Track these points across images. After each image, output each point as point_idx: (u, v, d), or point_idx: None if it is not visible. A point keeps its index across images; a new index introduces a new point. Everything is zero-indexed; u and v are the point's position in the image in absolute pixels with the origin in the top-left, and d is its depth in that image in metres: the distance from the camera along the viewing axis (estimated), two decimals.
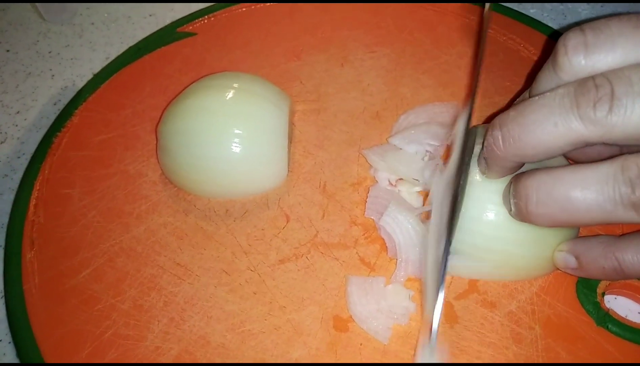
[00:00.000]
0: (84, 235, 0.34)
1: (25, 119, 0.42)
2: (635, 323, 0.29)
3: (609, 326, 0.29)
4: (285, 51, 0.43)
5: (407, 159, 0.35)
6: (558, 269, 0.29)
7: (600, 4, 0.48)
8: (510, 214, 0.28)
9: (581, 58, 0.24)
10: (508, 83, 0.40)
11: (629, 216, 0.23)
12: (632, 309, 0.30)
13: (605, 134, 0.23)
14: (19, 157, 0.39)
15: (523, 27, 0.43)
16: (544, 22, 0.45)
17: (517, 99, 0.31)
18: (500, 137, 0.25)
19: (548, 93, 0.24)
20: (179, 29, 0.44)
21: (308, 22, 0.44)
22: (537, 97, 0.25)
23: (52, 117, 0.40)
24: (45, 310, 0.31)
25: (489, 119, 0.38)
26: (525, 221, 0.27)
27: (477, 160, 0.29)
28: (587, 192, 0.24)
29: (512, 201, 0.27)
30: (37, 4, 0.45)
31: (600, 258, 0.27)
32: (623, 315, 0.30)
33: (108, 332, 0.30)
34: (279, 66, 0.42)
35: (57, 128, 0.39)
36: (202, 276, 0.32)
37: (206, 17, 0.45)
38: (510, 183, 0.27)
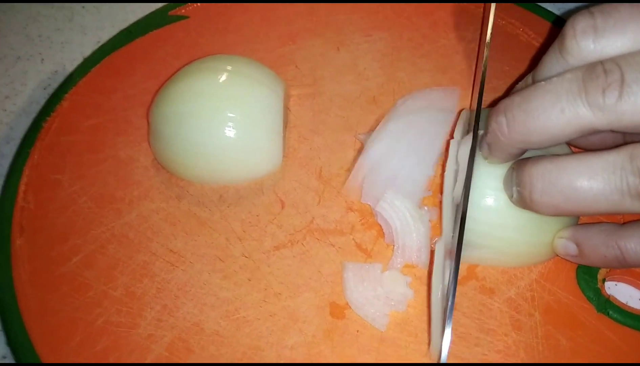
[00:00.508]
0: (74, 221, 0.33)
1: (14, 104, 0.41)
2: (636, 309, 0.29)
3: (610, 312, 0.28)
4: (280, 35, 0.42)
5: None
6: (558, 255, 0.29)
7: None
8: (511, 200, 0.27)
9: (590, 42, 0.23)
10: (507, 67, 0.39)
11: (637, 206, 0.22)
12: (633, 295, 0.30)
13: (613, 122, 0.22)
14: (7, 143, 0.38)
15: (522, 11, 0.42)
16: (544, 5, 0.44)
17: (519, 84, 0.31)
18: (504, 122, 0.25)
19: (555, 78, 0.23)
20: (171, 12, 0.43)
21: (303, 5, 0.43)
22: (543, 82, 0.24)
23: (42, 102, 0.39)
24: (35, 297, 0.30)
25: (489, 104, 0.37)
26: (528, 210, 0.26)
27: (479, 144, 0.28)
28: (593, 182, 0.23)
29: (515, 188, 0.26)
30: None
31: (602, 246, 0.26)
32: (624, 302, 0.29)
33: (99, 319, 0.29)
34: (274, 49, 0.41)
35: (47, 113, 0.38)
36: (195, 263, 0.31)
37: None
38: (512, 168, 0.27)
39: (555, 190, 0.24)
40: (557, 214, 0.26)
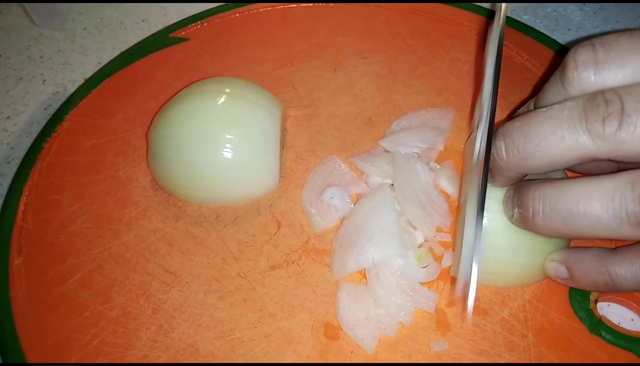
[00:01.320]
0: (72, 241, 0.33)
1: (15, 125, 0.41)
2: (628, 330, 0.29)
3: (602, 333, 0.28)
4: (278, 57, 0.43)
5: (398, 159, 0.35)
6: None
7: (593, 10, 0.48)
8: (511, 221, 0.27)
9: (591, 74, 0.24)
10: (501, 89, 0.40)
11: (635, 233, 0.23)
12: (625, 316, 0.30)
13: (613, 151, 0.22)
14: (8, 163, 0.39)
15: (516, 34, 0.43)
16: (537, 28, 0.45)
17: (520, 110, 0.31)
18: (503, 147, 0.25)
19: (556, 105, 0.24)
20: (171, 35, 0.44)
21: (301, 28, 0.44)
22: (544, 109, 0.24)
23: (43, 123, 0.40)
24: (32, 318, 0.30)
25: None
26: (529, 231, 0.26)
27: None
28: (592, 208, 0.23)
29: (516, 210, 0.26)
30: (28, 9, 0.45)
31: (592, 271, 0.27)
32: (616, 322, 0.29)
33: (95, 340, 0.29)
34: (272, 71, 0.42)
35: (48, 133, 0.38)
36: (191, 283, 0.31)
37: (199, 22, 0.45)
38: (512, 190, 0.27)
39: (555, 214, 0.24)
40: (557, 236, 0.26)
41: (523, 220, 0.26)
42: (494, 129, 0.26)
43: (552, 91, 0.26)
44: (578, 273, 0.27)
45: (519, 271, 0.29)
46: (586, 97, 0.23)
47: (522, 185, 0.26)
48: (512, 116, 0.32)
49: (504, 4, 0.29)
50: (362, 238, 0.30)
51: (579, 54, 0.24)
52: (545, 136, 0.24)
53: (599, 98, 0.23)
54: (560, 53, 0.42)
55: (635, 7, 0.49)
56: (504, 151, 0.25)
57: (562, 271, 0.28)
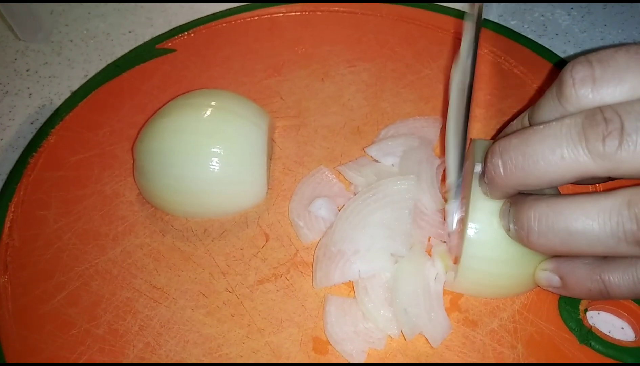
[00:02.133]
0: (59, 258, 0.33)
1: (1, 140, 0.41)
2: (618, 340, 0.29)
3: (592, 343, 0.28)
4: (265, 67, 0.43)
5: (384, 171, 0.35)
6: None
7: (581, 14, 0.48)
8: (508, 234, 0.27)
9: (588, 91, 0.24)
10: (489, 96, 0.40)
11: (633, 251, 0.23)
12: (615, 324, 0.30)
13: (613, 170, 0.22)
14: None
15: (504, 40, 0.43)
16: (525, 33, 0.45)
17: (513, 123, 0.30)
18: (500, 164, 0.25)
19: (554, 123, 0.24)
20: (158, 46, 0.44)
21: (288, 37, 0.44)
22: (541, 126, 0.24)
23: (29, 137, 0.39)
24: (18, 337, 0.30)
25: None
26: (526, 247, 0.26)
27: (479, 180, 0.28)
28: (589, 227, 0.23)
29: (512, 226, 0.26)
30: (11, 24, 0.45)
31: (585, 279, 0.27)
32: (606, 331, 0.29)
33: (82, 358, 0.29)
34: (259, 82, 0.42)
35: (33, 148, 0.38)
36: (179, 299, 0.31)
37: (186, 33, 0.45)
38: (509, 203, 0.27)
39: (552, 233, 0.24)
40: (552, 253, 0.26)
41: (519, 238, 0.26)
42: (489, 143, 0.26)
43: (548, 107, 0.25)
44: (571, 281, 0.27)
45: (509, 282, 0.29)
46: (585, 115, 0.23)
47: (517, 201, 0.26)
48: (504, 128, 0.32)
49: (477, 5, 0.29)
50: (348, 250, 0.30)
51: (576, 71, 0.24)
52: (545, 154, 0.23)
53: (598, 117, 0.22)
54: (548, 59, 0.42)
55: (623, 10, 0.49)
56: (501, 168, 0.25)
57: (555, 280, 0.27)
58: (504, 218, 0.27)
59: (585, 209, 0.23)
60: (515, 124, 0.30)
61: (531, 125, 0.27)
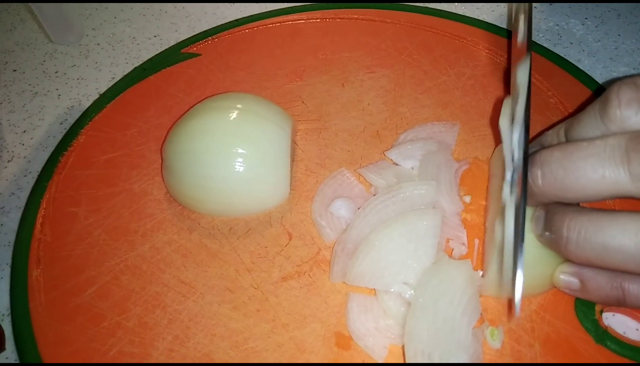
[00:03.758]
0: (89, 253, 0.34)
1: (32, 138, 0.42)
2: (633, 340, 0.29)
3: (608, 343, 0.29)
4: (287, 72, 0.44)
5: (404, 174, 0.36)
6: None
7: (595, 24, 0.49)
8: (538, 239, 0.28)
9: (633, 113, 0.24)
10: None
11: None
12: (630, 326, 0.31)
13: None
14: (25, 176, 0.40)
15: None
16: (540, 42, 0.46)
17: (548, 134, 0.31)
18: (540, 175, 0.26)
19: (598, 141, 0.24)
20: (183, 50, 0.45)
21: (309, 43, 0.46)
22: (585, 143, 0.25)
23: (59, 137, 0.41)
24: (51, 328, 0.31)
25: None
26: (558, 254, 0.27)
27: (510, 186, 0.29)
28: (625, 245, 0.24)
29: (547, 234, 0.27)
30: (44, 26, 0.46)
31: (606, 285, 0.27)
32: (621, 332, 0.30)
33: (113, 350, 0.30)
34: (281, 86, 0.43)
35: (64, 147, 0.39)
36: (206, 294, 0.32)
37: (210, 38, 0.46)
38: (543, 210, 0.28)
39: (589, 246, 0.25)
40: (586, 264, 0.27)
41: (555, 245, 0.27)
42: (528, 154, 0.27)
43: (589, 124, 0.26)
44: (592, 286, 0.28)
45: (528, 282, 0.30)
46: (629, 138, 0.24)
47: (556, 211, 0.27)
48: (536, 138, 0.32)
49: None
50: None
51: (622, 93, 0.25)
52: (586, 172, 0.24)
53: None
54: (564, 67, 0.43)
55: (636, 20, 0.50)
56: (540, 178, 0.26)
57: (574, 284, 0.28)
58: (538, 224, 0.28)
59: (625, 227, 0.24)
60: (550, 135, 0.30)
61: (569, 139, 0.28)
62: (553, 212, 0.27)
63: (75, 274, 0.33)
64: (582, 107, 0.40)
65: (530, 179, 0.26)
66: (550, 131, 0.31)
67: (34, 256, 0.34)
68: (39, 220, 0.36)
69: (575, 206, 0.27)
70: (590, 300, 0.29)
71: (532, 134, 0.39)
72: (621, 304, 0.27)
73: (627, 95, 0.25)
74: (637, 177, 0.23)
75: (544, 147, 0.27)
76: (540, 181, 0.26)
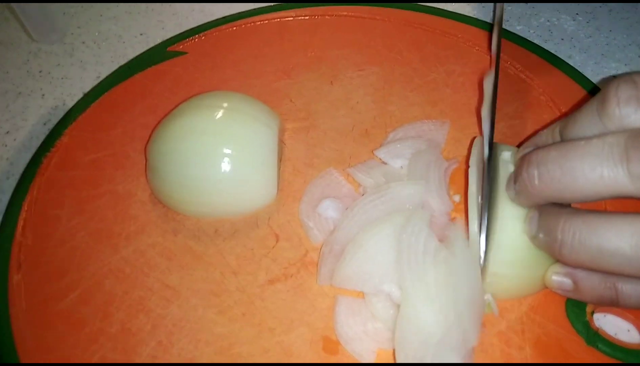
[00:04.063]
0: (72, 257, 0.33)
1: (14, 140, 0.41)
2: (624, 342, 0.29)
3: (599, 345, 0.29)
4: (275, 70, 0.43)
5: (393, 174, 0.35)
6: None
7: (586, 20, 0.49)
8: (532, 241, 0.27)
9: (632, 111, 0.24)
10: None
11: None
12: (621, 327, 0.30)
13: None
14: (7, 179, 0.39)
15: (510, 45, 0.44)
16: (531, 38, 0.46)
17: (543, 133, 0.30)
18: (536, 175, 0.25)
19: (595, 140, 0.24)
20: (169, 48, 0.45)
21: (298, 41, 0.45)
22: (582, 142, 0.24)
23: (42, 137, 0.40)
24: (32, 335, 0.31)
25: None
26: (553, 257, 0.27)
27: (507, 185, 0.28)
28: (620, 248, 0.23)
29: (541, 236, 0.26)
30: (26, 25, 0.45)
31: (599, 285, 0.27)
32: (612, 334, 0.30)
33: (95, 356, 0.30)
34: (269, 84, 0.42)
35: (47, 148, 0.39)
36: (190, 298, 0.31)
37: (196, 36, 0.45)
38: (536, 212, 0.27)
39: (584, 249, 0.25)
40: (580, 267, 0.26)
41: (549, 248, 0.26)
42: (521, 153, 0.27)
43: (587, 122, 0.26)
44: (585, 287, 0.27)
45: (519, 284, 0.29)
46: (628, 136, 0.23)
47: (549, 212, 0.26)
48: (530, 139, 0.31)
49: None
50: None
51: (621, 91, 0.24)
52: (584, 171, 0.24)
53: None
54: (555, 64, 0.42)
55: (628, 16, 0.49)
56: (536, 178, 0.25)
57: (567, 284, 0.28)
58: (532, 224, 0.27)
59: (620, 230, 0.23)
60: (545, 135, 0.30)
61: (565, 138, 0.27)
62: (546, 214, 0.26)
63: (57, 279, 0.33)
64: (573, 105, 0.40)
65: (526, 179, 0.26)
66: (544, 131, 0.30)
67: (14, 261, 0.33)
68: (21, 223, 0.35)
69: (569, 207, 0.26)
70: (583, 300, 0.29)
71: (524, 133, 0.38)
72: (614, 304, 0.27)
73: (626, 92, 0.24)
74: (636, 176, 0.22)
75: (539, 147, 0.26)
76: (537, 181, 0.25)
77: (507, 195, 0.28)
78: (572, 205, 0.27)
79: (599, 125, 0.25)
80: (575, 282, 0.28)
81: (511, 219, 0.28)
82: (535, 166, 0.25)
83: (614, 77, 0.25)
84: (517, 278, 0.29)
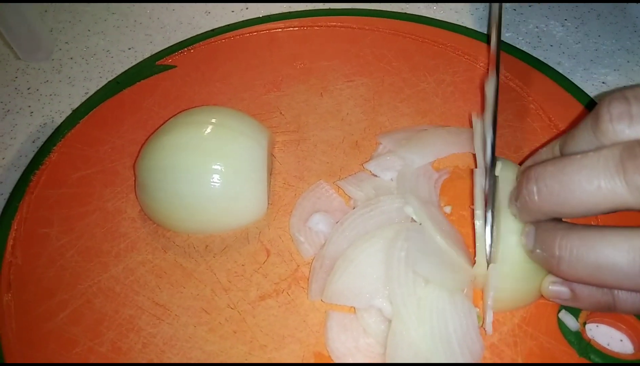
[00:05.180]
0: (62, 276, 0.33)
1: (3, 159, 0.41)
2: (617, 353, 0.29)
3: (591, 356, 0.29)
4: (265, 82, 0.43)
5: (383, 186, 0.35)
6: (540, 298, 0.29)
7: (575, 25, 0.49)
8: (529, 256, 0.27)
9: (625, 127, 0.24)
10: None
11: None
12: (614, 337, 0.30)
13: None
14: None
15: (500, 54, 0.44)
16: (519, 45, 0.46)
17: (542, 151, 0.30)
18: (535, 191, 0.25)
19: (591, 153, 0.24)
20: (158, 62, 0.45)
21: (287, 53, 0.45)
22: (578, 156, 0.24)
23: (31, 155, 0.40)
24: (22, 355, 0.30)
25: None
26: (551, 273, 0.27)
27: (509, 201, 0.29)
28: (617, 263, 0.23)
29: (539, 251, 0.27)
30: (11, 44, 0.45)
31: (597, 292, 0.27)
32: (605, 344, 0.30)
33: None
34: (259, 97, 0.42)
35: (35, 166, 0.38)
36: (181, 316, 0.31)
37: (185, 49, 0.45)
38: (533, 226, 0.27)
39: (582, 266, 0.25)
40: (578, 282, 0.26)
41: (547, 264, 0.26)
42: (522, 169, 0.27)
43: (582, 139, 0.26)
44: (583, 294, 0.27)
45: (515, 296, 0.29)
46: (623, 148, 0.23)
47: (546, 228, 0.26)
48: (530, 157, 0.32)
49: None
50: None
51: (613, 107, 0.24)
52: (581, 184, 0.24)
53: (636, 150, 0.23)
54: (544, 71, 0.42)
55: (616, 20, 0.49)
56: (536, 194, 0.25)
57: (565, 293, 0.28)
58: (529, 239, 0.27)
59: (616, 245, 0.24)
60: (545, 152, 0.30)
61: (563, 154, 0.27)
62: (543, 229, 0.27)
63: (47, 298, 0.32)
64: (563, 114, 0.40)
65: (526, 195, 0.26)
66: (544, 149, 0.30)
67: (4, 280, 0.33)
68: (10, 242, 0.35)
69: (565, 223, 0.27)
70: (581, 308, 0.29)
71: (515, 143, 0.38)
72: (612, 310, 0.27)
73: (617, 109, 0.24)
74: (634, 187, 0.22)
75: (537, 164, 0.27)
76: (536, 197, 0.25)
77: (509, 211, 0.28)
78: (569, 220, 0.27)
79: (594, 141, 0.25)
80: (572, 290, 0.28)
81: (508, 232, 0.28)
82: (533, 181, 0.26)
83: (608, 93, 0.26)
84: (513, 290, 0.29)
